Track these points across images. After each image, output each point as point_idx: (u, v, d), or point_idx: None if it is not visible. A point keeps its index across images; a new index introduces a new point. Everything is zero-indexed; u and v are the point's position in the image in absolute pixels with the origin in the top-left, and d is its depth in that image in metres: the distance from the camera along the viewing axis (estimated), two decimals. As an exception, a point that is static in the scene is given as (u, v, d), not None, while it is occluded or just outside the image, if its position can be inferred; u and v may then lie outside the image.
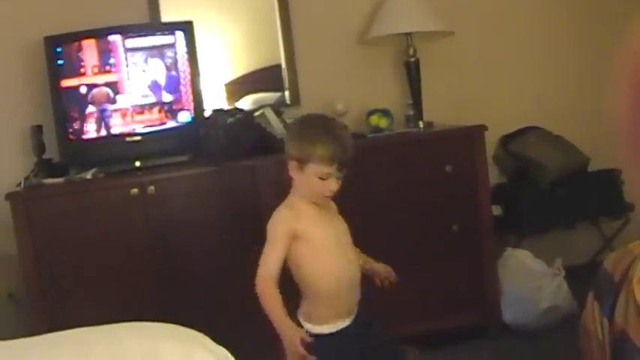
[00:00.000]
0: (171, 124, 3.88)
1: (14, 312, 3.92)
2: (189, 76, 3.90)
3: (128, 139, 3.84)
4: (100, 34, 3.84)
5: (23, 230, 3.53)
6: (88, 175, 3.68)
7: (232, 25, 4.43)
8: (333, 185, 2.67)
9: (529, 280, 4.12)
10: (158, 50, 3.89)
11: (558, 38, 4.90)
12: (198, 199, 3.73)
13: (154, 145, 3.85)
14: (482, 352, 3.88)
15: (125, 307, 3.52)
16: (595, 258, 4.70)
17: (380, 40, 4.43)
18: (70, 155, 3.87)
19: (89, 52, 3.81)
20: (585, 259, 4.75)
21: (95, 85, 3.82)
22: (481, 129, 3.97)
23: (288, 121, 4.05)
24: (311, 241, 2.73)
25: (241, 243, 3.73)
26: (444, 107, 4.54)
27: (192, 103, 3.90)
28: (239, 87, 4.43)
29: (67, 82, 3.80)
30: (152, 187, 3.62)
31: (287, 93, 4.46)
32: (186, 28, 3.93)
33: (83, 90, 3.80)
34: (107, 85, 3.82)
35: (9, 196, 3.54)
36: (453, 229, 3.95)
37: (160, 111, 3.88)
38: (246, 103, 4.36)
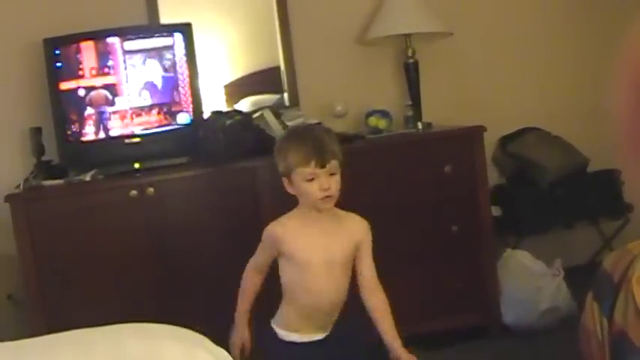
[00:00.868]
0: (170, 126, 3.88)
1: (14, 313, 3.92)
2: (187, 78, 3.90)
3: (127, 140, 3.84)
4: (98, 36, 3.84)
5: (23, 232, 3.53)
6: (87, 177, 3.68)
7: (231, 26, 4.43)
8: (324, 183, 2.63)
9: (529, 280, 4.12)
10: (157, 52, 3.89)
11: (557, 39, 4.90)
12: (197, 201, 3.73)
13: (152, 146, 3.85)
14: (482, 353, 3.88)
15: (125, 308, 3.52)
16: (594, 258, 4.70)
17: (379, 41, 4.43)
18: (70, 157, 3.87)
19: (87, 54, 3.81)
20: (585, 259, 4.74)
21: (93, 88, 3.82)
22: (480, 130, 3.97)
23: (288, 122, 4.05)
24: (295, 262, 2.76)
25: (240, 244, 3.73)
26: (443, 108, 4.54)
27: (191, 105, 3.90)
28: (238, 89, 4.43)
29: (65, 85, 3.80)
30: (151, 189, 3.62)
31: (286, 95, 4.46)
32: (185, 29, 3.93)
33: (81, 92, 3.80)
34: (105, 87, 3.82)
35: (8, 198, 3.54)
36: (453, 230, 3.95)
37: (158, 113, 3.87)
38: (245, 104, 4.36)
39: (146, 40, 3.90)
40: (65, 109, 3.82)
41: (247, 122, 3.86)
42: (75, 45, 3.81)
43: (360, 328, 2.85)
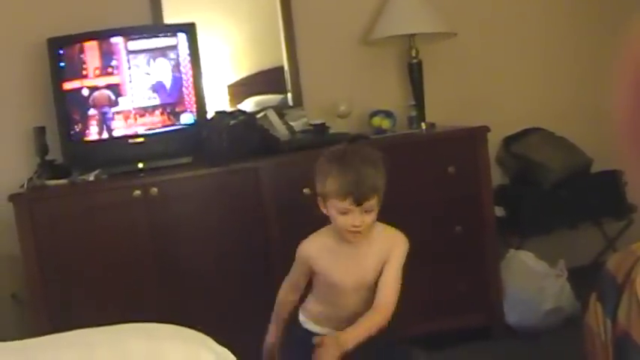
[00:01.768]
0: (173, 126, 3.88)
1: (17, 313, 3.92)
2: (191, 78, 3.90)
3: (131, 140, 3.84)
4: (102, 36, 3.84)
5: (26, 231, 3.53)
6: (91, 177, 3.68)
7: (235, 26, 4.43)
8: (356, 220, 2.58)
9: (532, 281, 4.11)
10: (160, 52, 3.89)
11: (561, 39, 4.90)
12: (201, 201, 3.73)
13: (156, 146, 3.85)
14: (485, 354, 3.88)
15: (128, 308, 3.53)
16: (598, 259, 4.69)
17: (382, 41, 4.43)
18: (73, 157, 3.88)
19: (91, 54, 3.82)
20: (588, 260, 4.74)
21: (97, 88, 3.82)
22: (484, 130, 3.97)
23: (291, 123, 4.05)
24: (324, 279, 2.76)
25: (244, 244, 3.74)
26: (447, 108, 4.54)
27: (194, 105, 3.90)
28: (242, 89, 4.43)
29: (69, 85, 3.81)
30: (155, 189, 3.62)
31: (289, 95, 4.46)
32: (189, 29, 3.93)
33: (85, 92, 3.81)
34: (109, 87, 3.83)
35: (12, 198, 3.54)
36: (456, 231, 3.95)
37: (162, 113, 3.88)
38: (248, 104, 4.36)
39: (150, 40, 3.90)
40: (69, 108, 3.82)
41: (251, 122, 3.87)
42: (79, 45, 3.82)
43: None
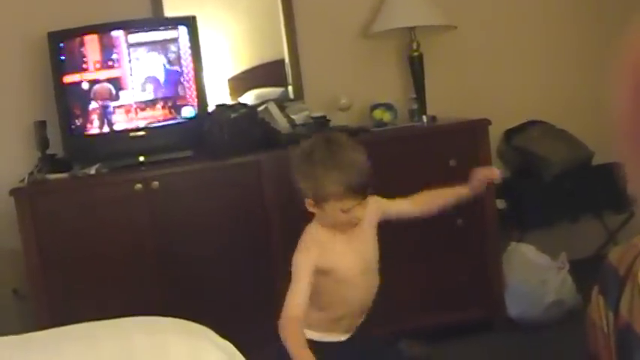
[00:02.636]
0: (174, 119, 3.87)
1: (19, 308, 3.92)
2: (192, 72, 3.90)
3: (132, 134, 3.84)
4: (102, 30, 3.84)
5: (27, 226, 3.53)
6: (92, 171, 3.68)
7: (235, 20, 4.42)
8: (358, 212, 2.53)
9: (533, 274, 4.11)
10: (161, 45, 3.89)
11: (562, 32, 4.89)
12: (202, 194, 3.73)
13: (157, 140, 3.85)
14: (487, 347, 3.88)
15: (130, 301, 3.52)
16: (599, 252, 4.69)
17: (383, 34, 4.43)
18: (74, 151, 3.88)
19: (91, 47, 3.81)
20: (589, 252, 4.73)
21: (97, 81, 3.81)
22: (485, 123, 3.97)
23: (292, 116, 4.04)
24: (334, 275, 2.63)
25: (246, 237, 3.74)
26: (448, 101, 4.54)
27: (195, 99, 3.89)
28: (242, 82, 4.43)
29: (69, 78, 3.80)
30: (156, 182, 3.62)
31: (290, 88, 4.46)
32: (190, 22, 3.93)
33: (85, 86, 3.80)
34: (110, 80, 3.82)
35: (13, 192, 3.54)
36: (458, 224, 3.94)
37: (163, 107, 3.87)
38: (249, 98, 4.36)
39: (150, 33, 3.90)
40: (69, 102, 3.82)
41: (252, 115, 3.87)
42: (79, 38, 3.81)
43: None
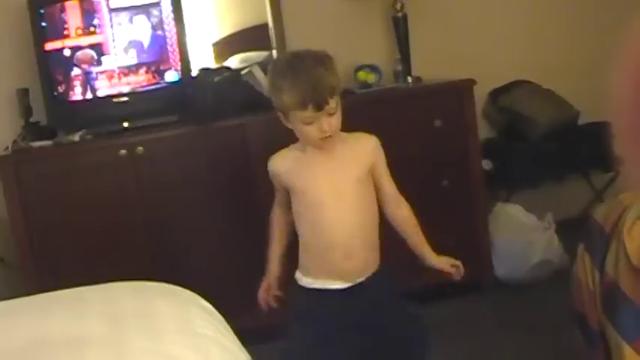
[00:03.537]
0: (158, 84, 3.85)
1: (6, 277, 3.91)
2: (175, 36, 3.86)
3: (115, 100, 3.82)
4: (83, -5, 3.80)
5: (12, 194, 3.52)
6: (76, 137, 3.67)
7: (218, -17, 4.39)
8: (323, 125, 2.47)
9: (520, 234, 4.13)
10: (143, 9, 3.85)
11: (546, -9, 4.88)
12: (187, 159, 3.72)
13: (141, 105, 3.83)
14: (474, 307, 3.90)
15: (117, 266, 3.52)
16: (586, 211, 4.70)
17: (367, -5, 4.40)
18: (58, 118, 3.85)
19: (72, 13, 3.77)
20: (576, 212, 4.75)
21: (80, 47, 3.78)
22: (470, 83, 3.96)
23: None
24: (301, 196, 2.62)
25: (231, 201, 3.74)
26: (433, 62, 4.52)
27: (179, 63, 3.87)
28: (227, 46, 4.41)
29: (51, 45, 3.77)
30: (141, 148, 3.61)
31: (274, 51, 4.43)
32: (172, -14, 3.89)
33: (67, 53, 3.77)
34: (92, 47, 3.79)
35: (-3, 160, 3.53)
36: (443, 184, 3.95)
37: (146, 72, 3.85)
38: (233, 62, 4.34)
39: (132, -3, 3.86)
40: (52, 69, 3.79)
41: (236, 79, 3.85)
42: (60, 4, 3.77)
43: (392, 279, 2.77)
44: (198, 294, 2.21)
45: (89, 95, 3.80)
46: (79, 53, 3.78)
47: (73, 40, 3.78)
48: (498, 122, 4.71)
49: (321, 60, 2.56)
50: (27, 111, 3.85)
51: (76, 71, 3.78)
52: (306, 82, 2.45)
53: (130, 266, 3.55)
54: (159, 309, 2.00)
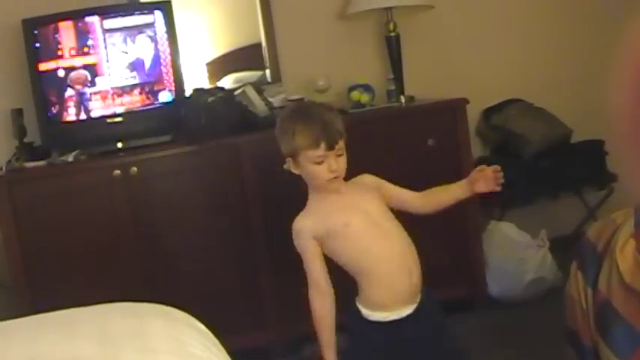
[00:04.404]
0: (152, 104, 3.85)
1: (0, 298, 3.90)
2: (169, 56, 3.88)
3: (109, 120, 3.82)
4: (77, 16, 3.80)
5: (6, 214, 3.52)
6: (70, 158, 3.67)
7: (211, 4, 4.41)
8: (332, 165, 2.55)
9: (514, 252, 4.13)
10: (137, 30, 3.86)
11: (539, 10, 4.89)
12: (182, 179, 3.72)
13: (135, 125, 3.83)
14: (468, 325, 3.89)
15: (111, 287, 3.50)
16: (579, 229, 4.72)
17: (360, 15, 4.42)
18: (52, 138, 3.85)
19: (66, 34, 3.78)
20: (569, 230, 4.76)
21: (73, 68, 3.79)
22: (463, 102, 3.97)
23: (270, 99, 4.03)
24: (343, 230, 2.62)
25: (226, 221, 3.74)
26: (426, 81, 4.54)
27: (173, 83, 3.87)
28: (220, 66, 4.42)
29: (44, 66, 3.77)
30: (135, 168, 3.61)
31: (268, 71, 4.45)
32: (165, 7, 3.90)
33: (61, 73, 3.78)
34: (86, 67, 3.80)
35: (-9, 181, 3.53)
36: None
37: (140, 92, 3.85)
38: (227, 82, 4.35)
39: (126, 18, 3.86)
40: (46, 90, 3.79)
41: (229, 99, 3.85)
42: (53, 25, 3.78)
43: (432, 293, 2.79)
44: (191, 314, 2.20)
45: (83, 116, 3.80)
46: (72, 74, 3.78)
47: (66, 60, 3.78)
48: (491, 141, 4.72)
49: (329, 107, 2.77)
50: (21, 131, 3.85)
51: (69, 92, 3.78)
52: (318, 122, 2.55)
53: (124, 286, 3.55)
54: (151, 329, 2.00)
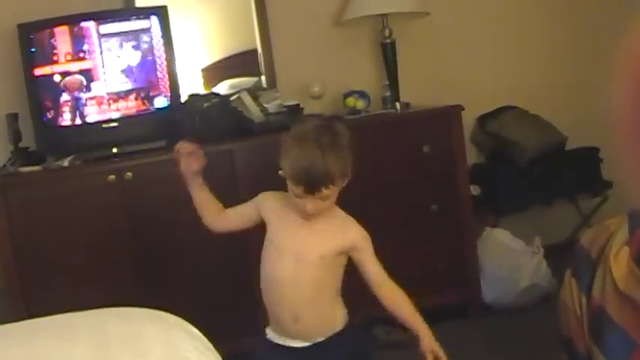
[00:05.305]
0: (147, 110, 3.85)
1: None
2: (165, 62, 3.88)
3: (104, 125, 3.82)
4: (73, 21, 3.80)
5: (1, 219, 3.51)
6: (65, 163, 3.66)
7: (207, 9, 4.41)
8: (307, 205, 2.44)
9: (508, 259, 4.14)
10: (133, 36, 3.86)
11: (534, 17, 4.91)
12: (176, 184, 3.71)
13: (130, 131, 3.83)
14: (463, 332, 3.90)
15: (105, 292, 3.51)
16: (573, 236, 4.72)
17: (355, 21, 4.42)
18: (47, 143, 3.85)
19: (62, 39, 3.78)
20: (564, 237, 4.77)
21: (69, 73, 3.79)
22: (458, 109, 3.98)
23: (265, 104, 4.04)
24: (270, 241, 2.60)
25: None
26: (421, 88, 4.55)
27: (168, 89, 3.88)
28: (216, 72, 4.42)
29: (40, 70, 3.77)
30: (129, 173, 3.61)
31: (263, 77, 4.45)
32: (161, 12, 3.90)
33: (57, 78, 3.78)
34: (81, 72, 3.80)
35: (-15, 186, 3.52)
36: (432, 209, 3.96)
37: (136, 97, 3.85)
38: (223, 88, 4.35)
39: (122, 23, 3.87)
40: (41, 95, 3.79)
41: (225, 105, 3.86)
42: (49, 30, 3.78)
43: (357, 341, 2.70)
44: (185, 319, 2.20)
45: (78, 121, 3.80)
46: (68, 79, 3.78)
47: (62, 65, 3.78)
48: (486, 147, 4.73)
49: (333, 144, 2.44)
50: (16, 136, 3.85)
51: (65, 97, 3.78)
52: (305, 162, 2.38)
53: (118, 291, 3.54)
54: (145, 333, 2.00)
